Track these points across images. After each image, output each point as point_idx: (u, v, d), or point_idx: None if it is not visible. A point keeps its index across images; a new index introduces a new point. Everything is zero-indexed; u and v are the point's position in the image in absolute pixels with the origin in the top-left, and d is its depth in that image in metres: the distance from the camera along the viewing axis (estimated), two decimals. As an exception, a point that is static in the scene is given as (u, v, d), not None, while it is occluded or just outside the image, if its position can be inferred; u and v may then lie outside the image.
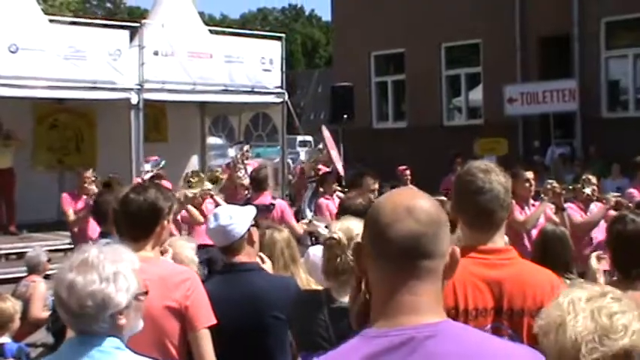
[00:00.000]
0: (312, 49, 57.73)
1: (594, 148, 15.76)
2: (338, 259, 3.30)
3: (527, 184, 7.31)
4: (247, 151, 12.62)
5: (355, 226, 3.32)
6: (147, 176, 10.44)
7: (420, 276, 1.76)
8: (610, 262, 3.97)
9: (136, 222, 3.47)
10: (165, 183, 9.47)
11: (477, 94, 19.45)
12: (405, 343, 1.70)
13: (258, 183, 9.23)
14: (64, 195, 9.52)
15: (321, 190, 9.78)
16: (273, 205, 9.00)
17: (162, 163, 10.86)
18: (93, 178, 9.42)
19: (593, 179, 7.91)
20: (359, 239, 3.16)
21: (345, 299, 3.23)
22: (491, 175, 2.86)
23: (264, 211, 8.76)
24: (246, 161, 12.31)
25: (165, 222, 3.53)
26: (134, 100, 12.47)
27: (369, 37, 20.12)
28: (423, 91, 19.40)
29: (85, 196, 9.15)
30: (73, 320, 2.33)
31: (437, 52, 19.45)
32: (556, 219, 7.20)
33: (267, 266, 4.27)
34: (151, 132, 13.64)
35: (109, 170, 11.87)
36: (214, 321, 3.41)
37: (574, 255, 5.25)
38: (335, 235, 3.31)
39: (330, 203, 8.75)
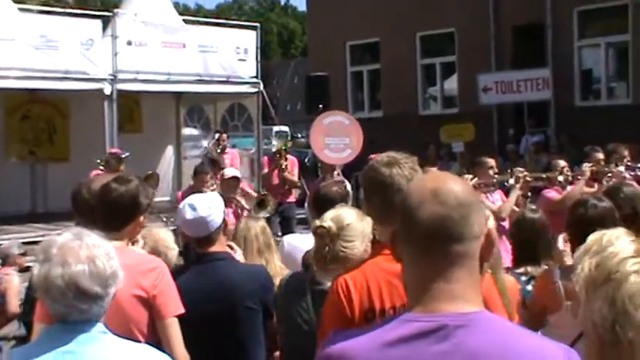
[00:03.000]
0: (288, 39, 57.58)
1: (567, 136, 15.86)
2: (326, 248, 3.25)
3: (490, 172, 7.39)
4: (224, 140, 12.57)
5: (347, 215, 3.29)
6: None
7: (452, 261, 1.73)
8: (570, 244, 4.03)
9: (113, 212, 3.46)
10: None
11: (452, 83, 19.51)
12: (436, 330, 1.68)
13: None
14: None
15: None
16: None
17: (126, 154, 10.77)
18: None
19: (562, 162, 7.94)
20: (351, 227, 3.22)
21: (330, 283, 3.23)
22: (392, 168, 2.77)
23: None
24: (226, 150, 12.29)
25: (142, 218, 3.53)
26: (107, 90, 12.35)
27: (344, 27, 20.11)
28: (399, 81, 19.43)
29: None
30: (89, 306, 2.29)
31: (412, 41, 19.48)
32: (515, 208, 7.25)
33: (239, 255, 4.28)
34: (125, 123, 13.53)
35: (82, 162, 11.80)
36: (182, 310, 3.40)
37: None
38: (325, 224, 3.26)
39: None
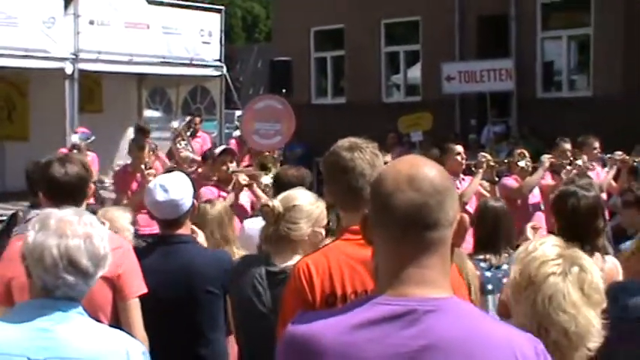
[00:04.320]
0: (252, 23, 57.24)
1: (529, 127, 16.02)
2: (272, 227, 3.29)
3: (458, 158, 7.40)
4: (197, 123, 12.45)
5: (298, 196, 3.31)
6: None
7: (426, 247, 1.72)
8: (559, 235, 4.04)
9: (64, 193, 3.38)
10: (91, 154, 9.39)
11: (415, 72, 19.56)
12: (405, 314, 1.68)
13: None
14: (118, 171, 8.61)
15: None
16: None
17: (92, 138, 10.63)
18: (155, 156, 8.16)
19: (526, 152, 8.02)
20: (298, 209, 3.23)
21: (283, 264, 3.23)
22: (354, 152, 2.78)
23: None
24: (197, 134, 12.17)
25: (89, 190, 3.54)
26: (69, 70, 12.18)
27: (308, 13, 20.03)
28: (363, 68, 19.42)
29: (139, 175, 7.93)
30: (76, 282, 2.30)
31: (376, 28, 19.47)
32: (485, 193, 7.31)
33: (201, 238, 4.25)
34: (85, 103, 13.36)
35: (41, 141, 11.64)
36: (145, 290, 3.38)
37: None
38: (269, 203, 3.31)
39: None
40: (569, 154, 8.13)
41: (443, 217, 1.73)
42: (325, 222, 3.31)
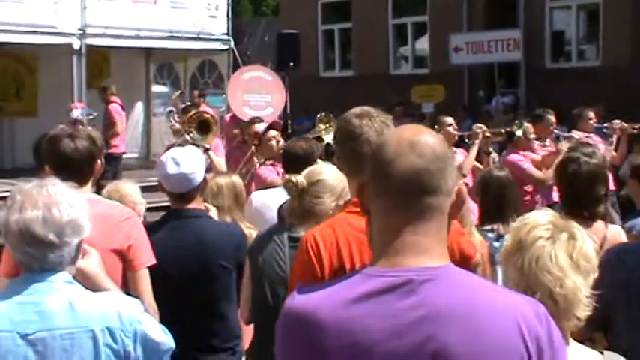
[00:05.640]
0: (258, -4, 57.11)
1: (537, 97, 15.94)
2: (296, 201, 3.30)
3: (450, 129, 7.39)
4: (194, 97, 12.38)
5: (323, 171, 3.33)
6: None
7: (423, 214, 1.71)
8: (560, 202, 4.06)
9: (72, 169, 3.36)
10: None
11: (423, 44, 19.45)
12: (402, 284, 1.66)
13: None
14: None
15: None
16: None
17: (95, 114, 10.60)
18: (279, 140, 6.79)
19: (525, 122, 7.85)
20: (322, 183, 3.23)
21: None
22: (363, 119, 2.76)
23: None
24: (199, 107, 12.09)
25: (97, 165, 3.47)
26: (76, 45, 12.20)
27: (316, -15, 19.92)
28: (370, 40, 19.32)
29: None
30: (44, 254, 2.26)
31: (383, 0, 19.35)
32: (479, 166, 7.27)
33: (213, 213, 4.27)
34: (93, 79, 13.38)
35: (50, 117, 11.65)
36: (154, 261, 3.37)
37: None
38: (293, 178, 3.31)
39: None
40: (554, 126, 7.96)
41: (443, 185, 1.73)
42: (350, 196, 3.31)
